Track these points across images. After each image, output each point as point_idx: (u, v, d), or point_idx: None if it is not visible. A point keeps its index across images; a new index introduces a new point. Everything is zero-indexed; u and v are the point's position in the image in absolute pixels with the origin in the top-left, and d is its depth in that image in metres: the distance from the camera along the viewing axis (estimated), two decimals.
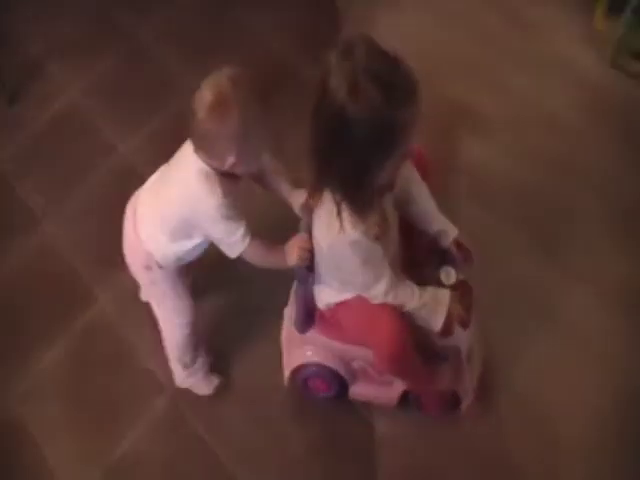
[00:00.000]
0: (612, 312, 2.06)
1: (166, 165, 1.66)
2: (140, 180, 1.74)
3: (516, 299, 2.07)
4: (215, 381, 1.96)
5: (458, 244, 1.66)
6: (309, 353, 1.79)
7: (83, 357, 2.06)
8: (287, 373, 1.86)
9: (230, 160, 1.47)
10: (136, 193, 1.73)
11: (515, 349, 1.99)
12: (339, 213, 1.37)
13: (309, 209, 1.51)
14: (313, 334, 1.74)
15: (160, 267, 1.69)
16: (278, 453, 1.88)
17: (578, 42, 2.73)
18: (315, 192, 1.44)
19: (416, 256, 1.68)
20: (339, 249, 1.43)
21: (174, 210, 1.58)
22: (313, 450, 1.88)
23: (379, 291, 1.50)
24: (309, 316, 1.72)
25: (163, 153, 1.66)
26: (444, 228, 1.66)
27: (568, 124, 2.50)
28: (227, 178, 1.53)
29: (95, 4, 2.94)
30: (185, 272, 1.77)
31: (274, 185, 1.75)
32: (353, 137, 1.25)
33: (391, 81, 1.22)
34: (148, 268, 1.70)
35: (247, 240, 1.55)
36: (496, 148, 2.43)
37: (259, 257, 1.60)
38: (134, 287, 2.01)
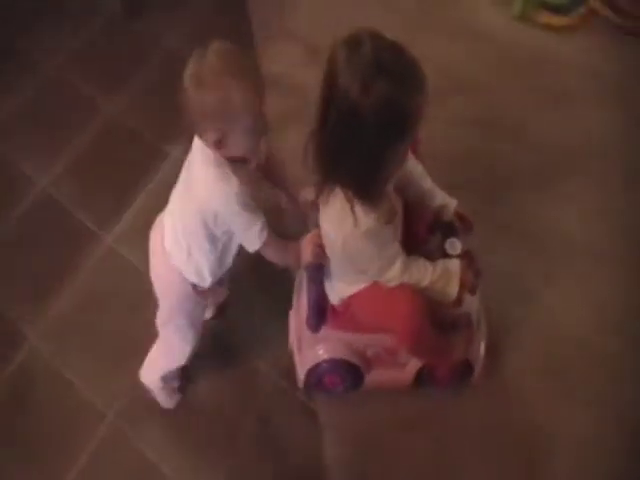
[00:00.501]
0: None
1: (180, 180, 1.63)
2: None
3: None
4: (178, 396, 1.98)
5: (459, 215, 1.72)
6: (321, 352, 1.81)
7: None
8: (302, 375, 1.87)
9: (212, 137, 1.42)
10: (158, 220, 1.69)
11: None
12: (352, 208, 1.40)
13: (317, 206, 1.53)
14: (325, 331, 1.76)
15: (197, 293, 1.67)
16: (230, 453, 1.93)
17: (486, 2, 2.86)
18: (324, 190, 1.46)
19: (418, 235, 1.73)
20: (353, 242, 1.45)
21: (195, 214, 1.53)
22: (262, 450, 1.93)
23: (395, 273, 1.54)
24: (321, 314, 1.74)
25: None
26: (444, 202, 1.70)
27: (484, 83, 2.62)
28: (237, 166, 1.50)
29: None
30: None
31: (281, 179, 1.74)
32: (368, 132, 1.28)
33: (400, 72, 1.25)
34: (187, 297, 1.68)
35: (265, 234, 1.53)
36: None
37: (276, 252, 1.59)
38: None
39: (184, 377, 1.98)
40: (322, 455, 1.90)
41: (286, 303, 1.96)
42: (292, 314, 1.91)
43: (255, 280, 2.09)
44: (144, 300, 1.84)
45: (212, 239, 1.58)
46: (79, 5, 2.89)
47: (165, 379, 1.89)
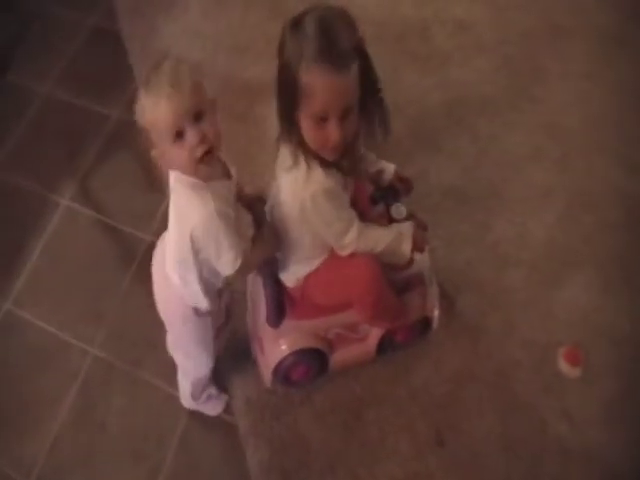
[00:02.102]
0: None
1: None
2: None
3: None
4: (223, 402, 1.97)
5: (398, 177, 1.72)
6: (284, 347, 1.78)
7: None
8: (268, 374, 1.85)
9: (152, 152, 1.36)
10: (159, 245, 1.63)
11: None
12: (310, 170, 1.40)
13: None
14: (286, 324, 1.74)
15: (199, 315, 1.59)
16: None
17: None
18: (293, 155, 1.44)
19: (363, 208, 1.68)
20: (312, 204, 1.42)
21: (180, 238, 1.44)
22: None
23: (351, 238, 1.53)
24: (280, 308, 1.72)
25: None
26: (382, 167, 1.71)
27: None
28: (216, 186, 1.41)
29: None
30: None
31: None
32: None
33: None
34: (189, 320, 1.60)
35: (239, 261, 1.44)
36: None
37: (249, 268, 1.57)
38: None
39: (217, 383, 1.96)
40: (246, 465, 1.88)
41: None
42: (249, 321, 1.90)
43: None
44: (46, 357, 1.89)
45: (201, 261, 1.48)
46: None
47: (195, 396, 1.90)
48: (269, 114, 2.41)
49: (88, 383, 2.03)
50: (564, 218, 2.21)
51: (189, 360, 1.77)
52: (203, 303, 1.55)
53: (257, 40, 2.65)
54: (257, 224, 1.57)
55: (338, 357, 1.86)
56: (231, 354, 1.99)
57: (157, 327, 2.06)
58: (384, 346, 1.88)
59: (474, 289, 2.08)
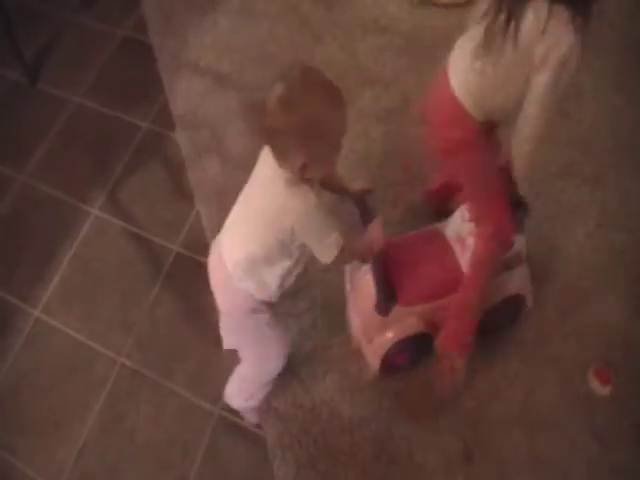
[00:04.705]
0: None
1: (239, 203, 1.62)
2: None
3: None
4: (261, 410, 1.96)
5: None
6: (391, 335, 1.83)
7: None
8: (377, 364, 1.89)
9: (299, 160, 1.39)
10: (215, 243, 1.67)
11: None
12: None
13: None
14: (396, 310, 1.80)
15: (262, 306, 1.63)
16: None
17: None
18: None
19: None
20: None
21: (269, 232, 1.49)
22: None
23: None
24: (391, 295, 1.77)
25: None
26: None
27: (392, 76, 2.60)
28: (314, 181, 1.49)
29: None
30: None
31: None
32: None
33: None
34: (254, 311, 1.64)
35: (339, 245, 1.50)
36: None
37: (351, 255, 1.62)
38: None
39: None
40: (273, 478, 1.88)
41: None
42: (350, 312, 1.94)
43: None
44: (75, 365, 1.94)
45: (286, 255, 1.55)
46: None
47: (256, 397, 1.89)
48: None
49: (116, 392, 2.04)
50: (594, 236, 2.20)
51: (264, 347, 1.76)
52: (271, 294, 1.61)
53: (284, 53, 2.68)
54: (367, 217, 1.64)
55: (443, 335, 1.88)
56: None
57: (185, 337, 2.10)
58: (483, 327, 1.87)
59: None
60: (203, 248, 2.20)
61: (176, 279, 2.21)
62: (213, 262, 1.66)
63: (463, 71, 1.57)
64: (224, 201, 2.27)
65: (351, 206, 1.69)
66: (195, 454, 1.93)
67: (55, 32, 2.90)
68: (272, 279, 1.58)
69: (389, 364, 1.89)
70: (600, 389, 1.93)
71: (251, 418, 1.96)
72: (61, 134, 2.60)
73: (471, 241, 1.76)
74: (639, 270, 2.13)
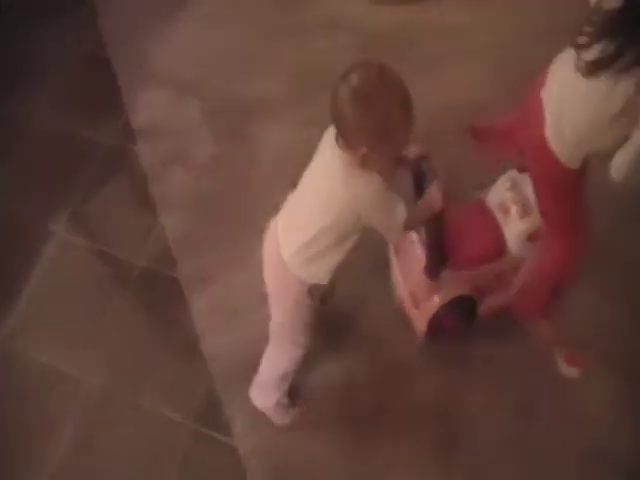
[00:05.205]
0: None
1: (298, 189, 1.64)
2: None
3: None
4: (291, 414, 1.96)
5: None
6: (437, 299, 1.89)
7: None
8: (423, 328, 1.94)
9: (362, 150, 1.42)
10: (271, 232, 1.69)
11: None
12: None
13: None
14: (446, 274, 1.86)
15: (312, 292, 1.66)
16: None
17: None
18: None
19: None
20: None
21: (332, 218, 1.53)
22: None
23: None
24: (441, 259, 1.82)
25: None
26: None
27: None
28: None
29: None
30: None
31: None
32: None
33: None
34: (301, 298, 1.67)
35: (404, 219, 1.54)
36: (291, 127, 2.47)
37: (410, 224, 1.62)
38: None
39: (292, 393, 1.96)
40: None
41: None
42: (397, 276, 1.98)
43: None
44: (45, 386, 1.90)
45: (346, 238, 1.58)
46: None
47: (282, 390, 1.90)
48: (262, 132, 2.46)
49: (86, 411, 2.02)
50: None
51: (290, 348, 1.80)
52: (325, 277, 1.64)
53: (246, 59, 2.67)
54: (422, 183, 1.66)
55: (488, 302, 1.97)
56: (232, 377, 2.00)
57: (154, 351, 2.08)
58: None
59: None
60: (168, 260, 2.23)
61: (142, 294, 2.20)
62: (269, 248, 1.69)
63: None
64: (189, 211, 2.32)
65: (404, 175, 1.70)
66: (171, 469, 1.91)
67: (12, 51, 2.83)
68: (329, 263, 1.61)
69: (436, 327, 1.94)
70: (570, 372, 1.95)
71: (279, 419, 1.96)
72: (24, 153, 2.57)
73: (515, 210, 1.83)
74: None
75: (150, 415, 1.99)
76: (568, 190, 1.65)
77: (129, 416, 2.00)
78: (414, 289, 1.93)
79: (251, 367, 1.89)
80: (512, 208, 1.84)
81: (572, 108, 1.50)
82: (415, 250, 1.89)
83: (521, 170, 1.84)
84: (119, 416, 2.00)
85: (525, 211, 1.83)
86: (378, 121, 1.39)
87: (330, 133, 1.51)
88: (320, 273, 1.63)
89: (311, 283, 1.64)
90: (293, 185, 1.63)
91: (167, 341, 2.09)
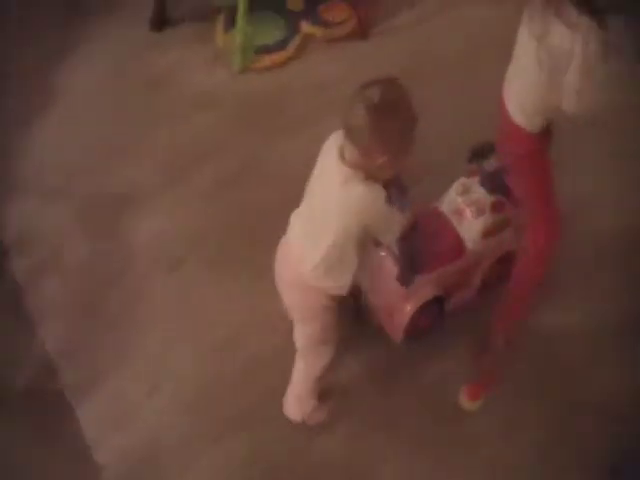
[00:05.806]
0: None
1: (304, 208, 1.75)
2: None
3: None
4: (325, 410, 2.03)
5: None
6: (409, 308, 2.02)
7: None
8: (401, 334, 2.06)
9: (381, 159, 1.53)
10: (282, 245, 1.80)
11: None
12: None
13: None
14: (418, 279, 2.00)
15: (333, 302, 1.75)
16: None
17: (209, 68, 2.89)
18: None
19: None
20: None
21: (343, 231, 1.62)
22: None
23: None
24: (413, 267, 1.97)
25: None
26: None
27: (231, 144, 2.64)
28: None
29: None
30: None
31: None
32: None
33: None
34: (326, 306, 1.75)
35: (400, 225, 1.70)
36: (164, 214, 2.48)
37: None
38: None
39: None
40: None
41: None
42: (369, 294, 2.09)
43: None
44: None
45: (358, 244, 1.67)
46: None
47: (315, 393, 1.96)
48: (135, 224, 2.42)
49: None
50: None
51: (322, 350, 1.86)
52: (345, 286, 1.72)
53: (114, 154, 2.64)
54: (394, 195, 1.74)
55: (455, 299, 2.14)
56: None
57: (45, 466, 1.97)
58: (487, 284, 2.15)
59: None
60: (51, 374, 2.13)
61: (28, 411, 2.09)
62: (285, 267, 1.78)
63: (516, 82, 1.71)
64: (67, 319, 2.24)
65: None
66: None
67: None
68: (349, 268, 1.70)
69: (413, 330, 2.05)
70: (467, 404, 2.06)
71: (316, 419, 2.01)
72: None
73: (469, 212, 2.04)
74: None
75: None
76: (539, 159, 1.77)
77: None
78: (387, 300, 2.04)
79: (147, 469, 1.87)
80: (466, 210, 2.05)
81: (521, 72, 1.68)
82: (385, 263, 2.01)
83: (470, 175, 2.03)
84: None
85: (479, 211, 2.02)
86: (401, 129, 1.54)
87: (329, 154, 1.62)
88: (342, 279, 1.72)
89: (335, 290, 1.73)
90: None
91: (58, 455, 1.98)
